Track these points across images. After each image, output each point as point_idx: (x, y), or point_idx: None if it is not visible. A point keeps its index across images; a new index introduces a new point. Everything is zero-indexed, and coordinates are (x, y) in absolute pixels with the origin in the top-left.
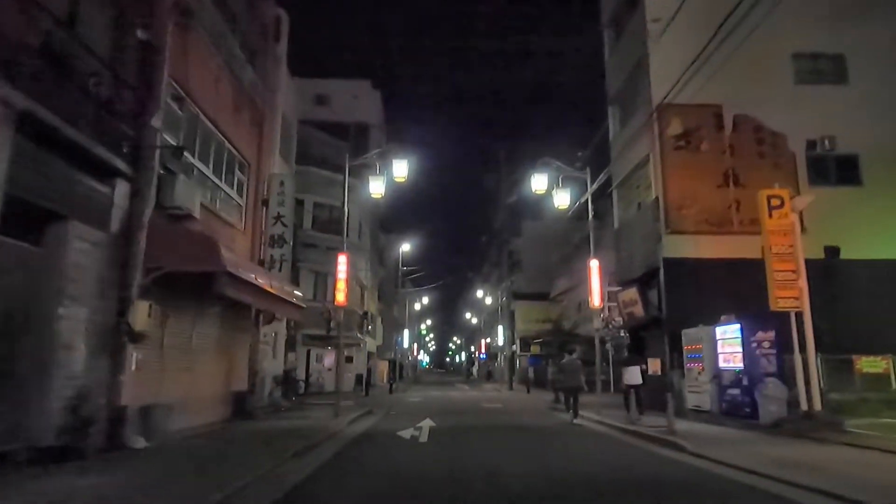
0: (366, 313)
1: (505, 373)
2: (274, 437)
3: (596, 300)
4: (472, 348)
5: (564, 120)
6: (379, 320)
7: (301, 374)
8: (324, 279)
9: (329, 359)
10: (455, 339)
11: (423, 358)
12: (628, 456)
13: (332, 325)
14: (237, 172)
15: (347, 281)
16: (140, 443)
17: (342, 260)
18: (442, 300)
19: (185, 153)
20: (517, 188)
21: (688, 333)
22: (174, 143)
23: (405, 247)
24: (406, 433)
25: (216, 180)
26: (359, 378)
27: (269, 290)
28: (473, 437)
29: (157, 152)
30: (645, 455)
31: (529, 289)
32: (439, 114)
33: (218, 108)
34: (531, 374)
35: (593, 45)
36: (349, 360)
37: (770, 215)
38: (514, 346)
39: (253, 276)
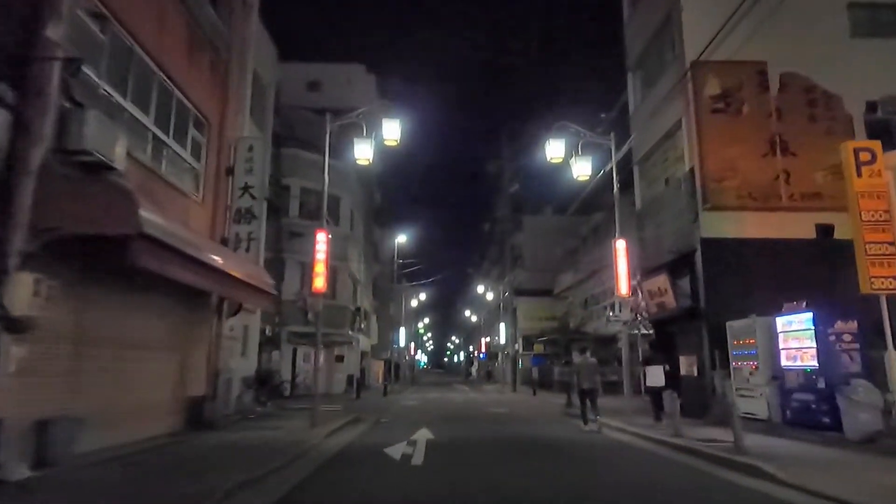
0: (358, 309)
1: (507, 373)
2: (221, 460)
3: (623, 287)
4: (472, 348)
5: (573, 96)
6: (374, 318)
7: (286, 375)
8: (310, 270)
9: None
10: (454, 338)
11: (421, 358)
12: (691, 484)
13: (309, 316)
14: (193, 130)
15: (328, 263)
16: (19, 473)
17: (321, 238)
18: (440, 298)
19: (111, 92)
20: (520, 174)
21: (734, 326)
22: (72, 57)
23: (401, 238)
24: (396, 450)
25: (161, 134)
26: (350, 379)
27: (223, 269)
28: (482, 457)
29: (56, 75)
30: (713, 483)
31: (531, 285)
32: (438, 98)
33: (163, 44)
34: (535, 374)
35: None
36: (339, 359)
37: (858, 173)
38: (516, 345)
39: (201, 251)
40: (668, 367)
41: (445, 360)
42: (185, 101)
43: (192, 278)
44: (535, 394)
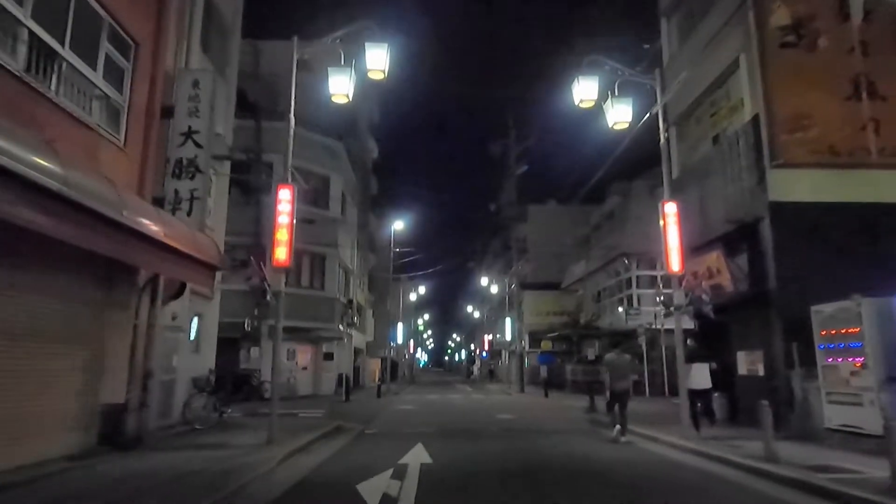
0: (350, 302)
1: (512, 372)
2: None
3: (675, 263)
4: (473, 346)
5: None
6: (369, 313)
7: (266, 375)
8: (297, 259)
9: (305, 356)
10: (455, 336)
11: (421, 356)
12: None
13: (268, 297)
14: (108, 47)
15: (293, 229)
16: None
17: (285, 196)
18: (440, 294)
19: None
20: (528, 153)
21: (824, 312)
22: None
23: (398, 225)
24: (374, 487)
25: (48, 38)
26: (341, 379)
27: (150, 235)
28: (498, 495)
29: None
30: None
31: (537, 278)
32: (443, 74)
33: None
34: (543, 373)
35: None
36: (328, 357)
37: None
38: (523, 342)
39: (114, 208)
40: (714, 365)
41: (446, 358)
42: (96, 7)
43: (94, 241)
44: (546, 395)
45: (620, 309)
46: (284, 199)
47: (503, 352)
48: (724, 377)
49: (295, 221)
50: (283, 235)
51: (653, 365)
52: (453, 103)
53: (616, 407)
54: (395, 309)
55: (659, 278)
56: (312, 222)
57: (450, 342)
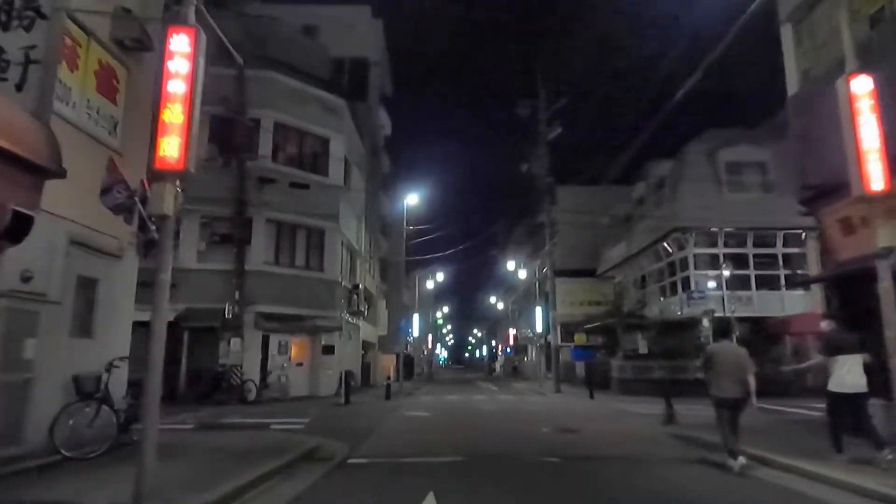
0: (356, 287)
1: (540, 369)
2: None
3: (876, 177)
4: (494, 341)
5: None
6: (382, 304)
7: (252, 372)
8: (290, 233)
9: (300, 350)
10: (475, 331)
11: (441, 353)
12: None
13: (150, 233)
14: None
15: (190, 103)
16: None
17: (178, 46)
18: (460, 286)
19: None
20: (560, 117)
21: None
22: None
23: (412, 199)
24: None
25: None
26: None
27: None
28: None
29: None
30: None
31: (566, 265)
32: (457, 45)
33: None
34: (581, 370)
35: None
36: (328, 350)
37: None
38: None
39: None
40: (869, 359)
41: (466, 355)
42: None
43: None
44: (592, 396)
45: (675, 294)
46: (179, 52)
47: (529, 347)
48: (885, 376)
49: (291, 187)
50: (174, 115)
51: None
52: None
53: (728, 418)
54: (410, 299)
55: (721, 257)
56: (306, 187)
57: (470, 338)
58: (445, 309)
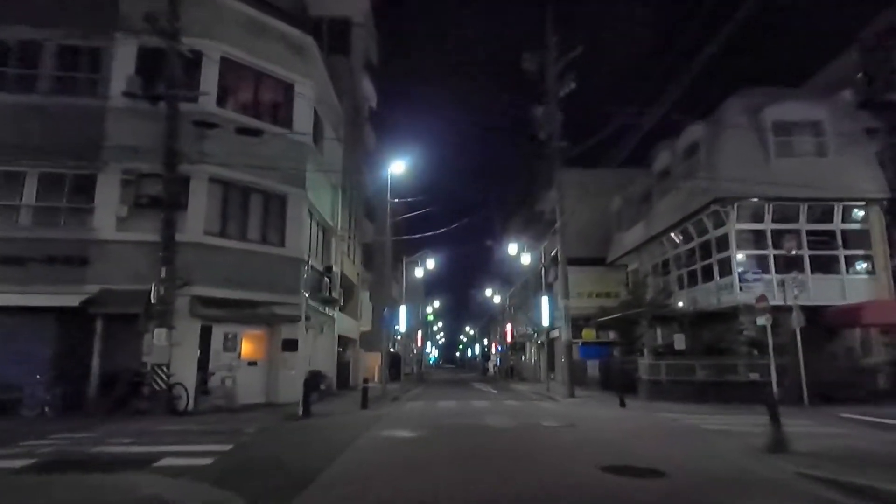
0: (329, 269)
1: (540, 369)
2: None
3: None
4: (486, 340)
5: None
6: (366, 296)
7: (186, 374)
8: (241, 197)
9: (254, 345)
10: (468, 329)
11: (432, 352)
12: None
13: None
14: None
15: None
16: None
17: None
18: (452, 283)
19: None
20: (573, 70)
21: None
22: None
23: (397, 167)
24: None
25: None
26: (312, 381)
27: None
28: None
29: None
30: None
31: (572, 253)
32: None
33: None
34: (594, 371)
35: None
36: (291, 346)
37: None
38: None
39: None
40: None
41: (457, 354)
42: None
43: None
44: (623, 404)
45: (709, 280)
46: None
47: (527, 344)
48: None
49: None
50: None
51: (780, 358)
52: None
53: None
54: (399, 292)
55: (769, 233)
56: (258, 134)
57: (462, 336)
58: (437, 304)
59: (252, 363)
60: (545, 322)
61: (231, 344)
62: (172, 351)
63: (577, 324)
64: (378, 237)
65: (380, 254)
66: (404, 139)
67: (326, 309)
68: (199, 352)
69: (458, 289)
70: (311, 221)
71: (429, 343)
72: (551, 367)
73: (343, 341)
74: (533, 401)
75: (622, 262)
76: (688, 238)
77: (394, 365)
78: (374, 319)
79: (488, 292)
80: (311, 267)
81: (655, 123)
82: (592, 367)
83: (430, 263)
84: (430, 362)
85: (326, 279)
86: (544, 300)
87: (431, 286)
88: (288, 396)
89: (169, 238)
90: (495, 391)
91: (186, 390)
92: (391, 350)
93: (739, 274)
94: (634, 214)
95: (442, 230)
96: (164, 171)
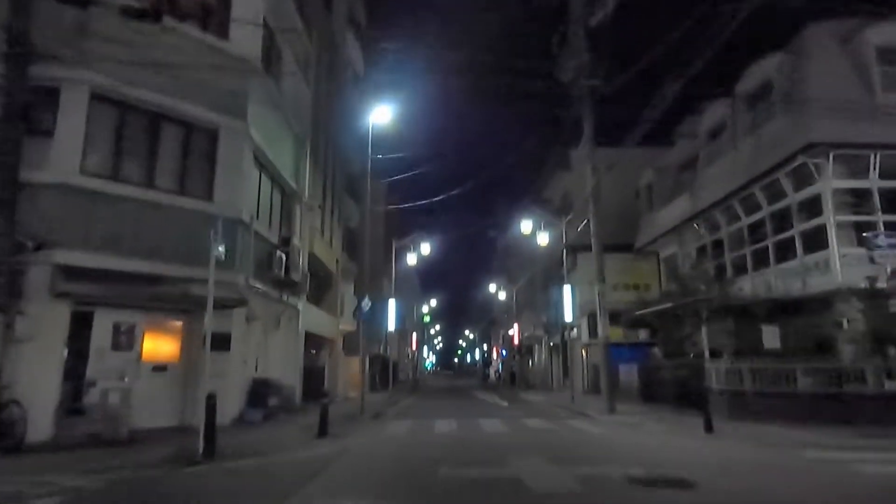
0: (286, 241)
1: (551, 375)
2: None
3: None
4: (486, 345)
5: None
6: (349, 289)
7: (37, 386)
8: (143, 125)
9: (161, 341)
10: (467, 332)
11: (429, 357)
12: None
13: None
14: None
15: None
16: None
17: None
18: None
19: None
20: None
21: None
22: None
23: (381, 114)
24: None
25: None
26: (258, 394)
27: None
28: None
29: None
30: None
31: (587, 241)
32: None
33: None
34: (628, 377)
35: None
36: (222, 343)
37: None
38: (585, 328)
39: None
40: None
41: (455, 360)
42: None
43: None
44: (710, 428)
45: (787, 260)
46: None
47: (536, 347)
48: None
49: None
50: None
51: None
52: None
53: None
54: (386, 285)
55: (876, 192)
56: (157, 18)
57: (461, 341)
58: (434, 303)
59: (159, 368)
60: (568, 317)
61: (126, 340)
62: (17, 349)
63: (598, 321)
64: (376, 205)
65: (370, 242)
66: (400, 111)
67: (285, 297)
68: (65, 351)
69: (456, 291)
70: (259, 174)
71: (425, 348)
72: (566, 372)
73: (315, 342)
74: (562, 419)
75: (652, 248)
76: (752, 208)
77: (385, 371)
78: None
79: (492, 288)
80: (259, 235)
81: (700, 70)
82: (626, 372)
83: (425, 249)
84: (427, 368)
85: (281, 254)
86: (566, 290)
87: (428, 285)
88: (221, 413)
89: (9, 171)
90: (505, 403)
91: (25, 411)
92: (381, 354)
93: (867, 239)
94: (671, 188)
95: (439, 197)
96: (6, 69)
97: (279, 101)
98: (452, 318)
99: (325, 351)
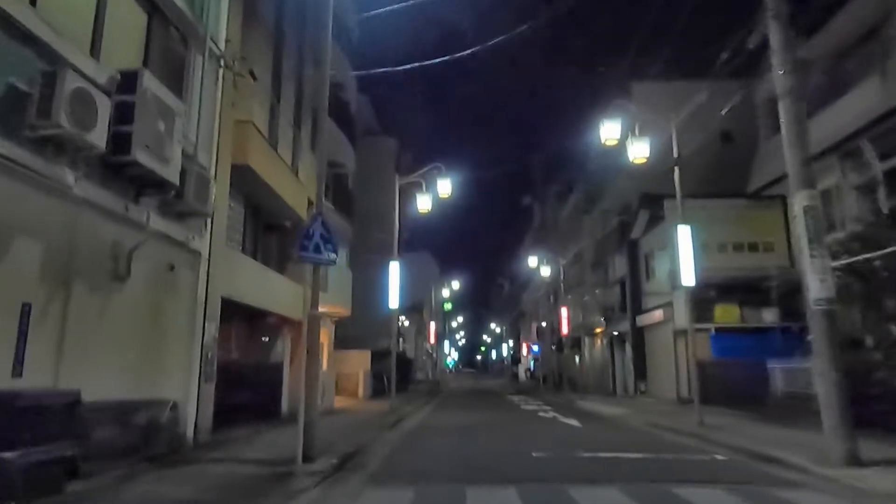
0: (133, 77)
1: (612, 378)
2: None
3: None
4: (512, 341)
5: None
6: (341, 258)
7: None
8: None
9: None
10: (493, 326)
11: (450, 355)
12: None
13: None
14: None
15: None
16: None
17: None
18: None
19: None
20: None
21: None
22: None
23: None
24: None
25: None
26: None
27: None
28: None
29: None
30: None
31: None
32: None
33: None
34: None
35: None
36: None
37: None
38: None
39: None
40: None
41: (478, 357)
42: None
43: None
44: None
45: None
46: None
47: (584, 340)
48: None
49: None
50: None
51: None
52: None
53: None
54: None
55: None
56: None
57: (485, 336)
58: (456, 286)
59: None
60: (688, 278)
61: None
62: None
63: (700, 297)
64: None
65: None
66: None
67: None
68: None
69: (479, 276)
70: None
71: (446, 343)
72: (642, 373)
73: (264, 325)
74: (744, 480)
75: (773, 191)
76: None
77: (401, 369)
78: (361, 297)
79: (532, 262)
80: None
81: None
82: (785, 374)
83: (444, 188)
84: (448, 366)
85: (190, 166)
86: (683, 232)
87: (448, 268)
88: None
89: None
90: (575, 421)
91: None
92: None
93: None
94: (832, 79)
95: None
96: None
97: None
98: (475, 309)
99: (285, 341)
